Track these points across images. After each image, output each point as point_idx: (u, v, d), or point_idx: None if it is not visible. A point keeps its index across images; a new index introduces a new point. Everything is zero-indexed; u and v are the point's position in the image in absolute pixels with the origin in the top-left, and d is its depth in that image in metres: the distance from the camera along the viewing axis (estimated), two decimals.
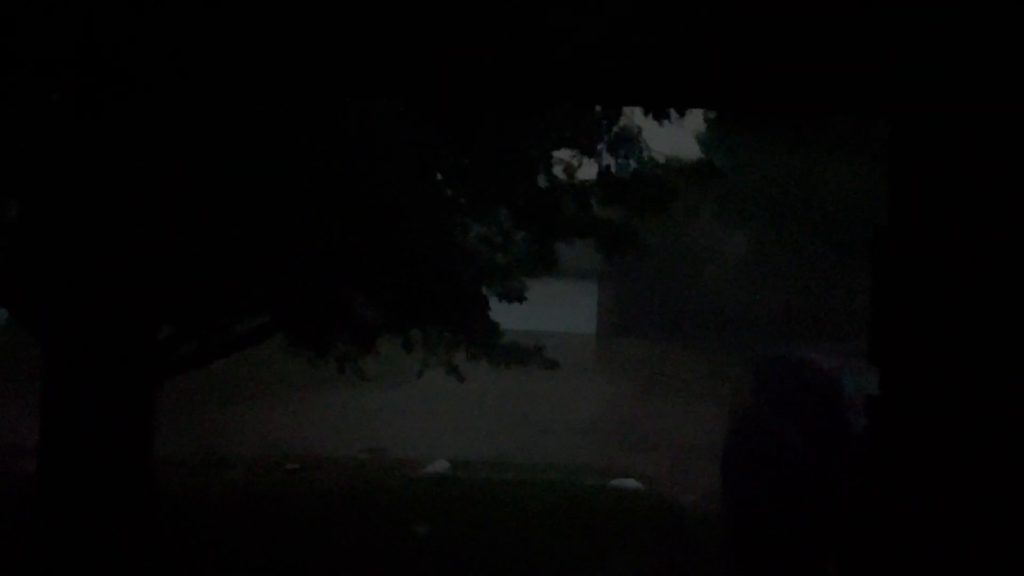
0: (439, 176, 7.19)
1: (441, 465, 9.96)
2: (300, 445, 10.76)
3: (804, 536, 6.02)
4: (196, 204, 5.86)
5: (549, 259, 7.75)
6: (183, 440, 10.02)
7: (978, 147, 3.59)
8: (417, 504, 8.03)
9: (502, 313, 8.03)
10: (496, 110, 6.03)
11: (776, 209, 15.76)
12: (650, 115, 5.91)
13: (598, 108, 6.83)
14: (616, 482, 9.42)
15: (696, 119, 7.50)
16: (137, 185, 5.25)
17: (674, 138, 7.68)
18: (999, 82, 3.55)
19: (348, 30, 3.57)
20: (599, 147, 7.17)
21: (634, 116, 7.09)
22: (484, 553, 6.76)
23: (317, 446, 10.71)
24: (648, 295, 21.90)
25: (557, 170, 7.47)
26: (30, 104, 5.44)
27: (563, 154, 7.37)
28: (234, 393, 13.37)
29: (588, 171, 7.46)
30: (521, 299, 7.76)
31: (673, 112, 6.01)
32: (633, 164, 7.29)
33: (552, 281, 8.61)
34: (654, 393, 15.83)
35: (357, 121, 6.05)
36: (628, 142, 7.14)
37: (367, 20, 3.55)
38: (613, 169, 7.28)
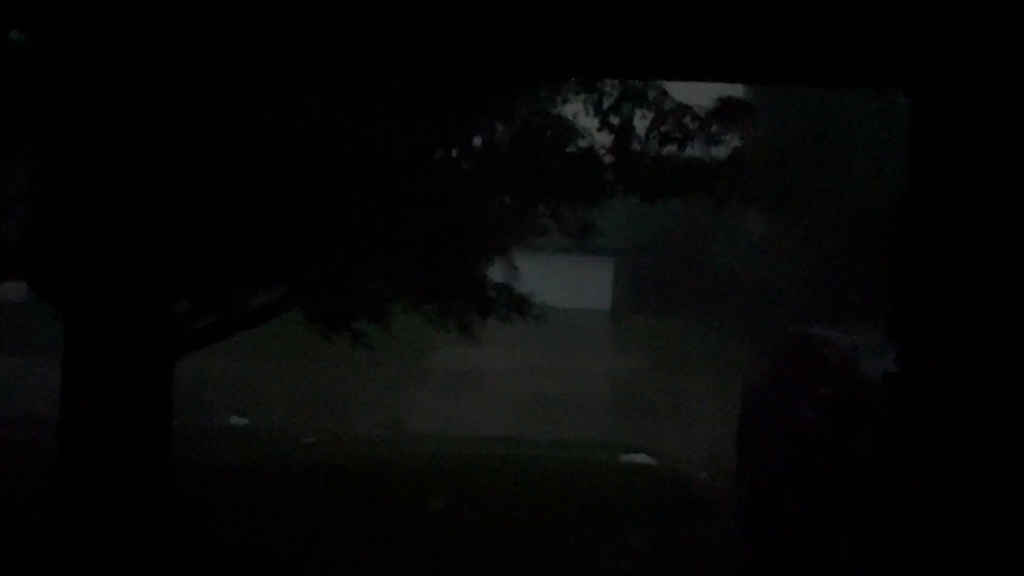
0: (454, 152, 7.17)
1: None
2: (316, 419, 10.85)
3: (817, 514, 6.03)
4: (213, 184, 5.89)
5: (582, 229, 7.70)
6: (201, 412, 10.12)
7: (1002, 122, 3.55)
8: (432, 479, 8.08)
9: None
10: (510, 79, 6.02)
11: (792, 185, 15.65)
12: None
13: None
14: (628, 457, 9.46)
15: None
16: (156, 165, 5.27)
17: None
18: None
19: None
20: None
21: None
22: (498, 528, 6.81)
23: (333, 420, 10.79)
24: (664, 272, 21.86)
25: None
26: (50, 79, 5.47)
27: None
28: (251, 363, 13.46)
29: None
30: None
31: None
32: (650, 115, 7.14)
33: (568, 257, 8.58)
34: (668, 369, 15.85)
35: (368, 101, 6.06)
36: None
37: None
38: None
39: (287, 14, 3.76)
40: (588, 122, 7.14)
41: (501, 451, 9.52)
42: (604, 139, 7.22)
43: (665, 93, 6.90)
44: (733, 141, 7.33)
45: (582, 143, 7.18)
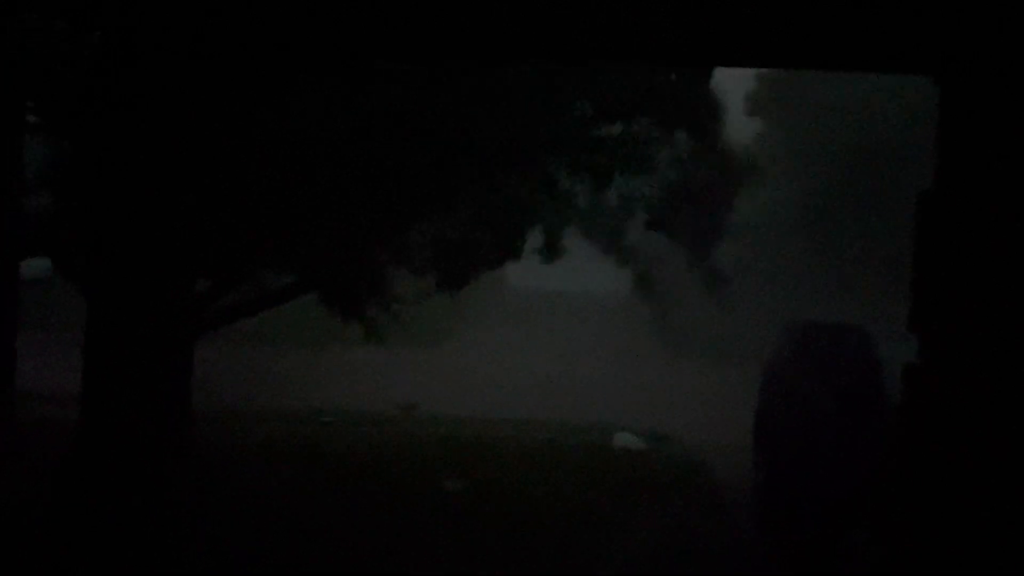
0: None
1: None
2: (336, 400, 10.92)
3: (835, 503, 6.03)
4: (230, 169, 5.93)
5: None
6: (223, 391, 10.19)
7: None
8: (448, 460, 8.13)
9: (530, 274, 8.07)
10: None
11: (818, 171, 15.60)
12: None
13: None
14: (622, 439, 9.45)
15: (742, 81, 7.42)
16: (175, 151, 5.30)
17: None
18: None
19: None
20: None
21: None
22: (513, 511, 6.84)
23: (352, 401, 10.85)
24: (675, 256, 21.72)
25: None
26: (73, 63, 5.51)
27: None
28: (271, 347, 13.55)
29: None
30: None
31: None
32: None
33: (579, 241, 8.62)
34: (680, 354, 15.84)
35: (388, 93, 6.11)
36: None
37: None
38: None
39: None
40: None
41: (511, 432, 9.56)
42: None
43: None
44: None
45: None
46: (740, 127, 7.69)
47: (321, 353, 13.61)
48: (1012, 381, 3.59)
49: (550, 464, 8.22)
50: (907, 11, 3.57)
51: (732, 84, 7.12)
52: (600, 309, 20.39)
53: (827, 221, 16.35)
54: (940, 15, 3.57)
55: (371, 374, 12.70)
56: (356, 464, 7.88)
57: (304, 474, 7.48)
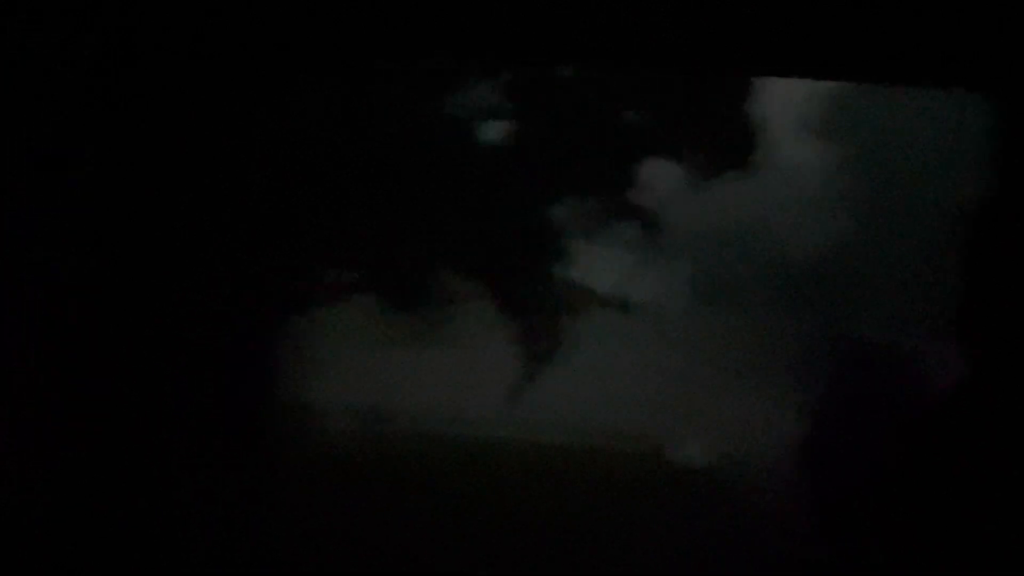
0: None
1: None
2: (363, 399, 10.96)
3: (862, 517, 5.99)
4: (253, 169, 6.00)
5: None
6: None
7: None
8: (470, 460, 8.14)
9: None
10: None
11: (858, 189, 15.41)
12: None
13: None
14: (671, 453, 9.38)
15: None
16: (184, 148, 5.36)
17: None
18: None
19: None
20: None
21: None
22: (531, 513, 6.84)
23: (379, 400, 10.89)
24: (723, 263, 21.61)
25: None
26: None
27: None
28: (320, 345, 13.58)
29: None
30: None
31: None
32: None
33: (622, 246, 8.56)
34: (715, 364, 15.69)
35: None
36: None
37: None
38: None
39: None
40: None
41: (558, 440, 9.52)
42: None
43: None
44: None
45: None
46: (804, 150, 7.51)
47: (348, 351, 13.63)
48: None
49: (593, 474, 8.19)
50: (960, 22, 3.53)
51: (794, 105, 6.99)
52: (635, 317, 20.28)
53: (877, 237, 16.18)
54: (996, 27, 3.53)
55: (404, 373, 12.73)
56: (379, 465, 7.91)
57: (319, 475, 7.51)
